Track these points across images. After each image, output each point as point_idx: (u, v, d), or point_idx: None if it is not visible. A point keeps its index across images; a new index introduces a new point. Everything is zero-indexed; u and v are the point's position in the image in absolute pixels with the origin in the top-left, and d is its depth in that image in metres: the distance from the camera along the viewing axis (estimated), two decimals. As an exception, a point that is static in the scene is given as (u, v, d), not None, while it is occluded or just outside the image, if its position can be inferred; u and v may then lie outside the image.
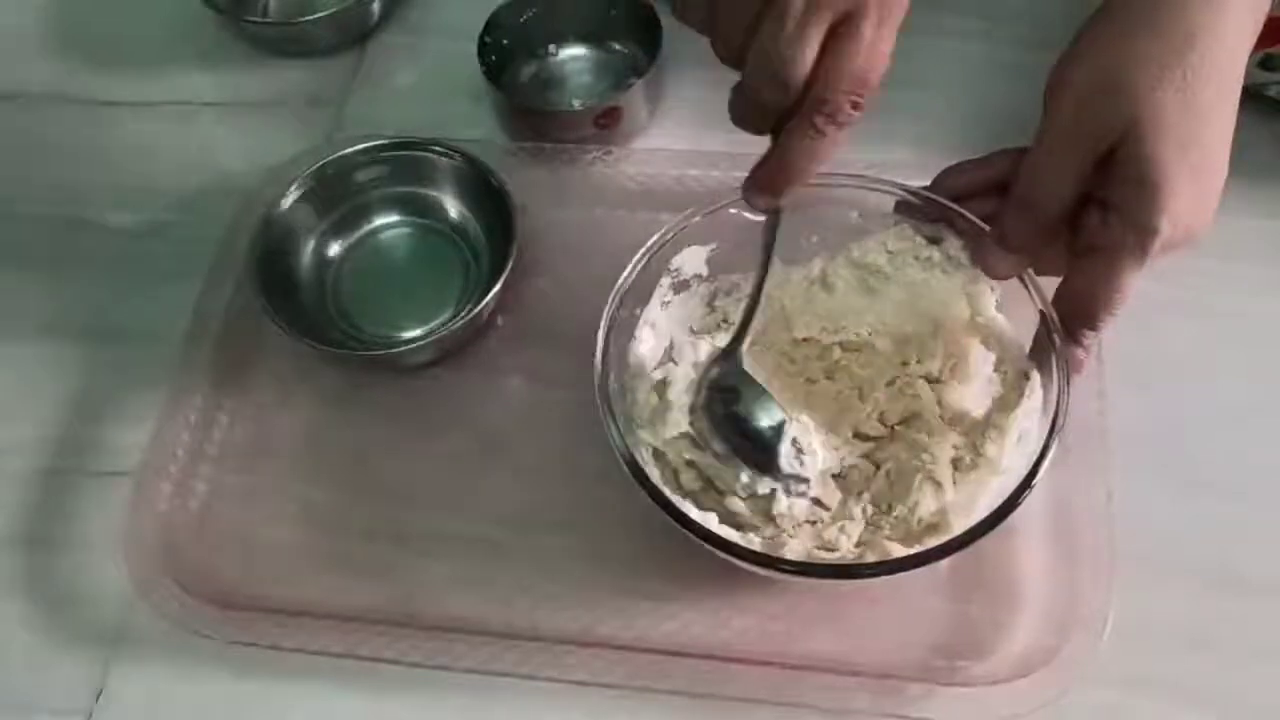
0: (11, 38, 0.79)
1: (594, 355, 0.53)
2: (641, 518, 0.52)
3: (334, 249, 0.67)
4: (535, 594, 0.55)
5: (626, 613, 0.55)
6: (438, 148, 0.65)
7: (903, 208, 0.56)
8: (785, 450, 0.53)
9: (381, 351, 0.63)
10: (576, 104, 0.70)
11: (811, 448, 0.54)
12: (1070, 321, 0.51)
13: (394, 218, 0.68)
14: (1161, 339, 0.59)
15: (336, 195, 0.66)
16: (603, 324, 0.54)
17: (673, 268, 0.58)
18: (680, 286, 0.59)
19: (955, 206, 0.55)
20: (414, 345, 0.62)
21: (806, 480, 0.53)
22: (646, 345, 0.58)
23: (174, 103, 0.75)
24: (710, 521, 0.52)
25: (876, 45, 0.45)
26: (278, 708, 0.54)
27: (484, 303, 0.60)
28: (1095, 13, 0.51)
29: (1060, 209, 0.50)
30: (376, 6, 0.76)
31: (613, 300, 0.55)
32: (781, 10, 0.44)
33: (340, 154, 0.65)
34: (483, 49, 0.69)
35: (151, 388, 0.62)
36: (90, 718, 0.55)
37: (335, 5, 0.75)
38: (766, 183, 0.50)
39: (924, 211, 0.56)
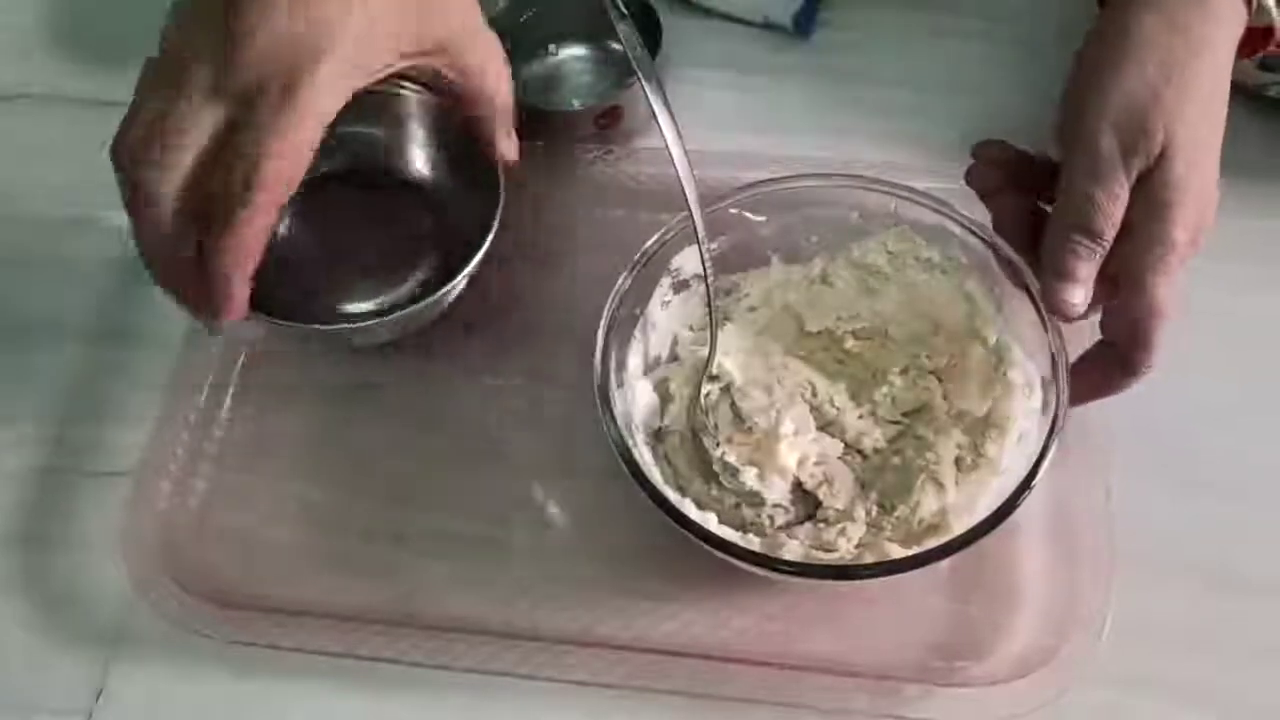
0: (11, 38, 0.79)
1: (594, 355, 0.53)
2: (641, 517, 0.52)
3: None
4: (535, 594, 0.55)
5: (626, 613, 0.55)
6: (408, 85, 0.55)
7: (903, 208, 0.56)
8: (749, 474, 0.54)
9: (331, 327, 0.56)
10: (576, 104, 0.70)
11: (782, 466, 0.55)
12: (1130, 356, 0.50)
13: (348, 167, 0.59)
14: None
15: None
16: (602, 323, 0.54)
17: (673, 268, 0.58)
18: (680, 286, 0.59)
19: (954, 208, 0.55)
20: (366, 324, 0.56)
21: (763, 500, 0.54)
22: (647, 345, 0.58)
23: (174, 103, 0.75)
24: (709, 521, 0.52)
25: None
26: (277, 707, 0.54)
27: (459, 280, 0.55)
28: (1092, 38, 0.51)
29: (1113, 236, 0.50)
30: (376, 6, 0.75)
31: (612, 300, 0.55)
32: None
33: None
34: (483, 49, 0.69)
35: (151, 388, 0.62)
36: (90, 718, 0.55)
37: (335, 5, 0.74)
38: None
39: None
